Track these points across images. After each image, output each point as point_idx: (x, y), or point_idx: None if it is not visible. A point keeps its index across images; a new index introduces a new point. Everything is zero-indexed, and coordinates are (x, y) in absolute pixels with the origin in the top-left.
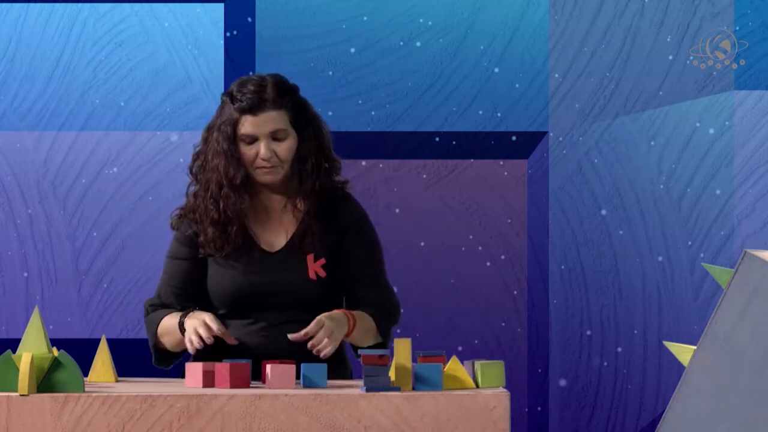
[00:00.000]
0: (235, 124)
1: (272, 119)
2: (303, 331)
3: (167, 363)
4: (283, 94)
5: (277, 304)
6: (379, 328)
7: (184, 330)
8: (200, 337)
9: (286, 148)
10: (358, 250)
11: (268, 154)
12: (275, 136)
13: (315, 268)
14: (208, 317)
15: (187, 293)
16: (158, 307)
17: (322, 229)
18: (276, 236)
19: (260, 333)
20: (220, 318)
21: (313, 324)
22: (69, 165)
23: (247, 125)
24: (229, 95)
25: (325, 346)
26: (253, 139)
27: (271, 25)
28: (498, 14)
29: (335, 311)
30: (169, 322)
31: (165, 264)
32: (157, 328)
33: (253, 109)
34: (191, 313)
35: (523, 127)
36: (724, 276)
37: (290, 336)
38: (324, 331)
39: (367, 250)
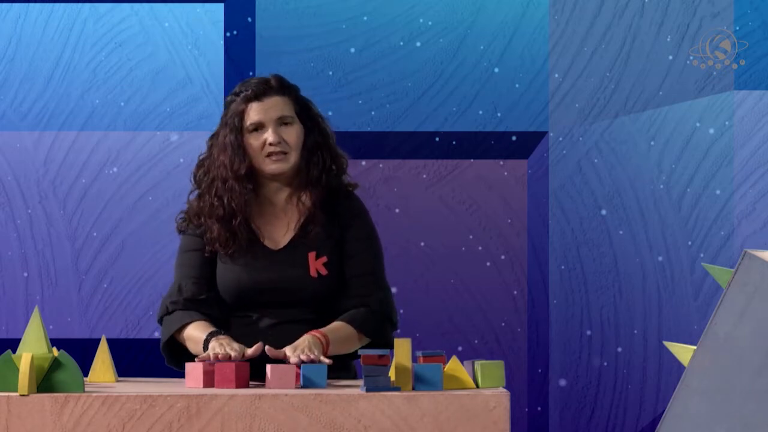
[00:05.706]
0: (241, 115)
1: (278, 104)
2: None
3: (180, 363)
4: (286, 85)
5: (278, 301)
6: (363, 330)
7: (207, 348)
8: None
9: (293, 133)
10: (355, 246)
11: (276, 138)
12: (282, 121)
13: (316, 265)
14: (233, 354)
15: (209, 282)
16: (179, 304)
17: (326, 224)
18: (280, 231)
19: (262, 331)
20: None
21: (288, 349)
22: (69, 165)
23: (253, 113)
24: (233, 94)
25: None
26: (260, 126)
27: (271, 25)
28: (498, 14)
29: (308, 336)
30: (195, 333)
31: (179, 260)
32: (179, 331)
33: (259, 95)
34: (219, 337)
35: (523, 127)
36: (724, 276)
37: (268, 351)
38: (303, 349)
39: (364, 246)
